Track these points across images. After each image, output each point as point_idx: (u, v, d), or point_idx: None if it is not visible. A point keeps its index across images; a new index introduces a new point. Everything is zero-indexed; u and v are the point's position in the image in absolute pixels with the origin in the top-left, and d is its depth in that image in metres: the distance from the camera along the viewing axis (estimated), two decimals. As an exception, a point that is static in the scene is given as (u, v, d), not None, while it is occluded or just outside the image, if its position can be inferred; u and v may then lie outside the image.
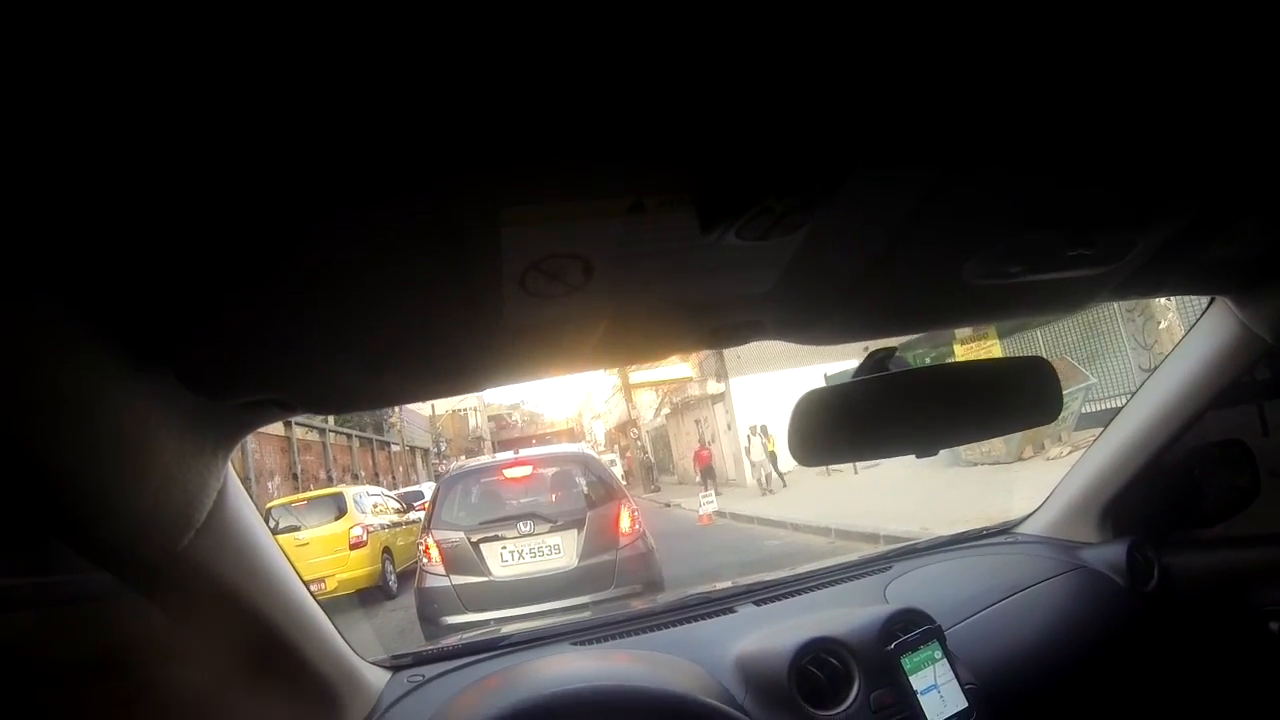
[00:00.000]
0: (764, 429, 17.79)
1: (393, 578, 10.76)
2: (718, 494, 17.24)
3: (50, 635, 1.03)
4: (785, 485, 17.48)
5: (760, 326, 1.09)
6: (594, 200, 0.68)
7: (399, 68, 0.48)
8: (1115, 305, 10.89)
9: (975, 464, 10.86)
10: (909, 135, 0.67)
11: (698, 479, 21.50)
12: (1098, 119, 0.71)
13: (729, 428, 22.25)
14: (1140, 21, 0.58)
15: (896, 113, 0.63)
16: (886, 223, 0.82)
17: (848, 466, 14.98)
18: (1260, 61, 0.67)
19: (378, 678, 1.57)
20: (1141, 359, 10.85)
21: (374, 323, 0.84)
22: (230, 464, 1.02)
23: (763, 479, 17.89)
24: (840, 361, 14.49)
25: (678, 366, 25.94)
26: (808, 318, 1.08)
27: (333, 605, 9.08)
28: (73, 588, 1.05)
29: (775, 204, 0.68)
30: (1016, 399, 1.25)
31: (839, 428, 1.17)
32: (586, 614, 2.93)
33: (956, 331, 12.77)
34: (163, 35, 0.43)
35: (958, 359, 10.73)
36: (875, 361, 1.18)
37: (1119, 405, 1.98)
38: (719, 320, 1.06)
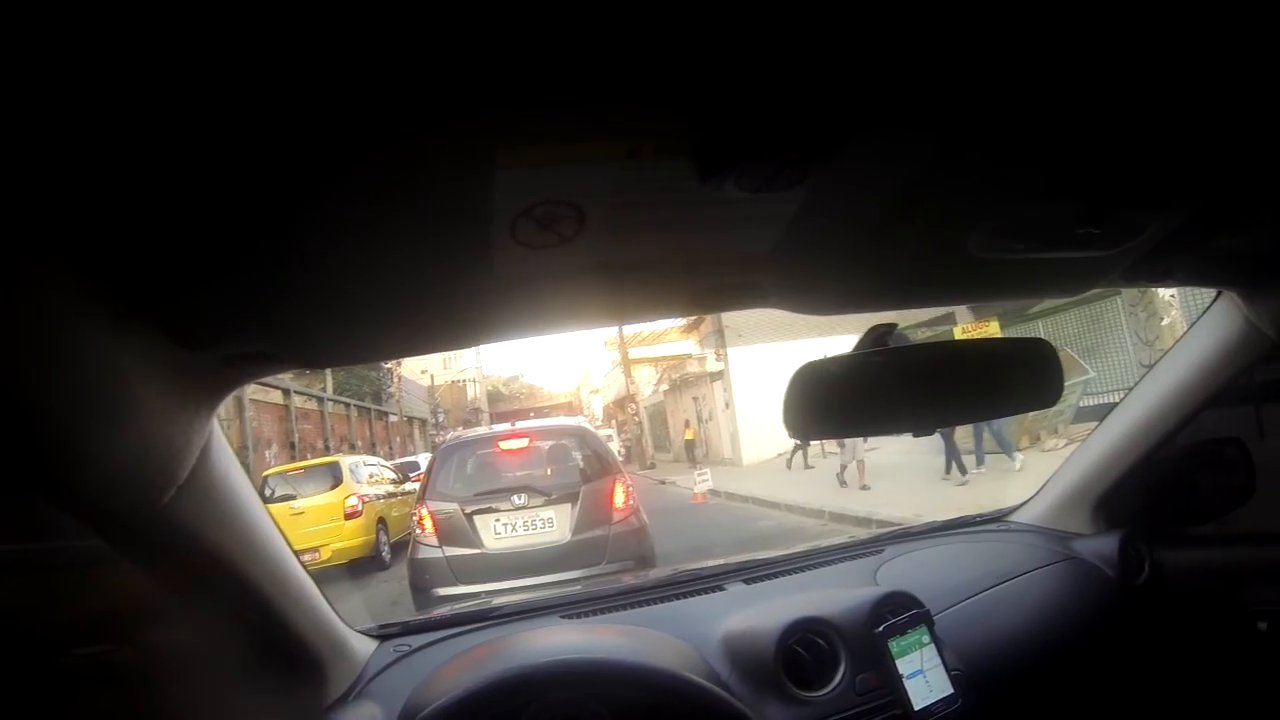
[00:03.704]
0: None
1: (386, 548, 10.78)
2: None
3: (37, 600, 1.03)
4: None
5: (760, 290, 1.08)
6: (591, 143, 0.68)
7: (401, 5, 0.47)
8: (1118, 300, 10.84)
9: (970, 452, 10.83)
10: (912, 98, 0.67)
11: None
12: (1107, 95, 0.70)
13: (727, 406, 22.15)
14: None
15: (900, 74, 0.63)
16: (890, 187, 0.82)
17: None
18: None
19: (364, 646, 1.57)
20: (1143, 354, 10.73)
21: (360, 273, 0.83)
22: (217, 424, 1.01)
23: (853, 465, 12.13)
24: (840, 337, 14.35)
25: (679, 343, 25.89)
26: (808, 284, 1.07)
27: (326, 575, 9.11)
28: (59, 555, 1.04)
29: (775, 154, 0.68)
30: (1016, 380, 1.22)
31: (837, 402, 1.13)
32: (577, 588, 2.94)
33: (958, 317, 12.70)
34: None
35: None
36: (875, 336, 1.15)
37: (1117, 400, 1.97)
38: (717, 280, 1.05)
